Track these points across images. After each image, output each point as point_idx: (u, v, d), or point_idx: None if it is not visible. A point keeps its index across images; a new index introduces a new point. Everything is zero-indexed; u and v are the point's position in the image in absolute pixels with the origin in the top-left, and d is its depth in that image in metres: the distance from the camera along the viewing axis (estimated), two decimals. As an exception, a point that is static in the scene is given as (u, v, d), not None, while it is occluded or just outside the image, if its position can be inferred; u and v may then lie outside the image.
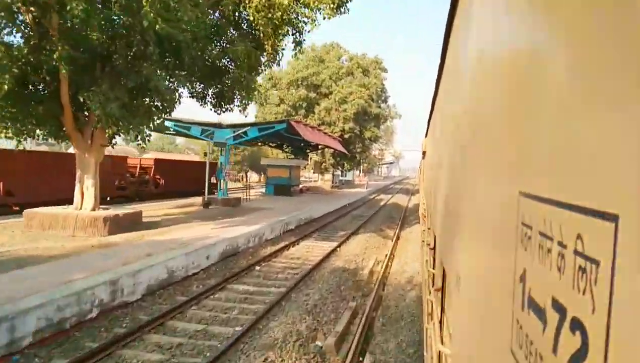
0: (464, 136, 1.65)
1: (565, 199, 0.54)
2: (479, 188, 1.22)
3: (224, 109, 14.11)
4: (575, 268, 0.50)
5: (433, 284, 3.49)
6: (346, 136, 40.24)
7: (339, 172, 52.16)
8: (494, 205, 0.99)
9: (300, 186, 35.55)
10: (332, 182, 46.93)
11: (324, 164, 44.66)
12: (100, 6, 8.93)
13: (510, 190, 0.81)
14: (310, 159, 42.68)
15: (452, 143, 2.30)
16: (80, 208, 11.11)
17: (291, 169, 30.63)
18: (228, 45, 12.26)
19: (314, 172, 45.05)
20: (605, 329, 0.42)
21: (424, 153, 10.38)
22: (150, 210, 15.80)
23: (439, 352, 2.28)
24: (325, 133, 31.52)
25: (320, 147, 33.28)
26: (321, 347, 5.94)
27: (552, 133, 0.62)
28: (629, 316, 0.38)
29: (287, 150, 36.19)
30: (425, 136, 9.46)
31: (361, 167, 59.66)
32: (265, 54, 12.81)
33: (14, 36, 9.07)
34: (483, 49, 1.28)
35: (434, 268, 3.70)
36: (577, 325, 0.48)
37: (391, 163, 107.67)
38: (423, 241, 7.43)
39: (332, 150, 37.56)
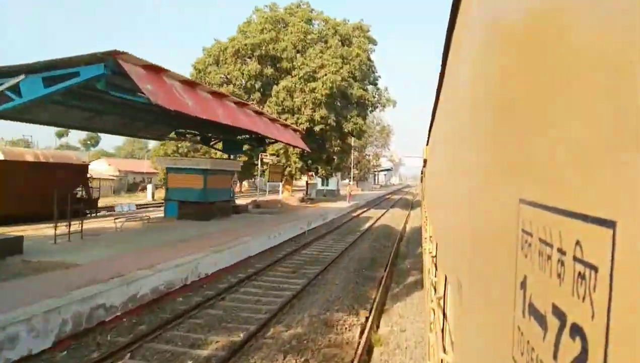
0: (464, 143, 1.66)
1: (564, 206, 0.55)
2: (479, 195, 1.23)
3: None
4: (575, 274, 0.50)
5: (435, 292, 3.47)
6: (317, 128, 28.04)
7: (318, 180, 41.99)
8: (495, 213, 0.99)
9: (253, 200, 26.61)
10: (306, 194, 36.35)
11: (288, 169, 31.45)
12: None
13: (511, 197, 0.82)
14: (261, 160, 28.37)
15: (452, 150, 2.31)
16: None
17: (210, 174, 18.77)
18: None
19: (269, 180, 30.98)
20: (605, 335, 0.42)
21: (425, 161, 10.38)
22: None
23: (441, 360, 2.26)
24: (271, 119, 19.74)
25: (269, 141, 22.44)
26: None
27: (551, 140, 0.63)
28: (628, 322, 0.39)
29: (218, 146, 23.88)
30: (427, 144, 9.47)
31: (351, 173, 50.81)
32: None
33: None
34: (483, 55, 1.29)
35: (435, 276, 3.69)
36: (577, 332, 0.48)
37: (388, 170, 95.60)
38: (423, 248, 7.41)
39: (299, 149, 25.56)
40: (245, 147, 24.05)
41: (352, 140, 36.43)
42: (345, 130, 30.36)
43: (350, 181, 50.62)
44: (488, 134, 1.15)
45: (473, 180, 1.38)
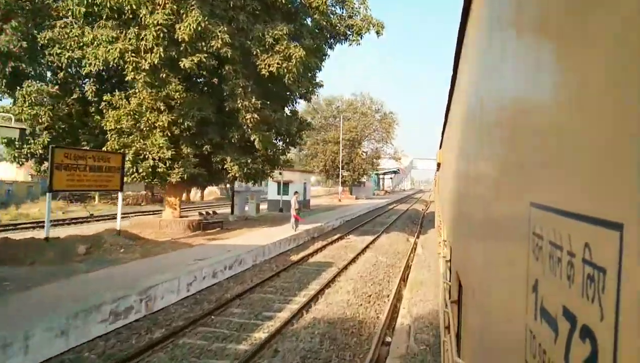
0: (475, 148, 1.66)
1: (573, 209, 0.56)
2: (491, 200, 1.23)
3: None
4: (584, 276, 0.51)
5: (449, 296, 3.45)
6: (187, 63, 12.03)
7: (273, 186, 26.38)
8: (506, 217, 1.00)
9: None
10: (231, 210, 21.89)
11: (145, 163, 13.78)
12: None
13: (522, 201, 0.82)
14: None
15: (465, 155, 2.31)
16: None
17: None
18: None
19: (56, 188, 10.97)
20: (613, 337, 0.43)
21: (438, 165, 10.32)
22: None
23: (456, 365, 2.25)
24: None
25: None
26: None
27: (560, 145, 0.64)
28: (636, 322, 0.39)
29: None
30: (440, 148, 9.42)
31: (340, 175, 41.01)
32: None
33: None
34: (494, 61, 1.30)
35: (449, 281, 3.66)
36: (587, 333, 0.49)
37: (395, 172, 72.45)
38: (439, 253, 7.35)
39: (164, 117, 12.99)
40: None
41: (296, 104, 18.16)
42: (262, 67, 13.29)
43: (340, 187, 42.30)
44: (499, 139, 1.15)
45: (485, 184, 1.38)
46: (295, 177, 28.22)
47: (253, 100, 13.65)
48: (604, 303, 0.45)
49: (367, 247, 15.05)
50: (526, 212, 0.78)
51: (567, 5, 0.64)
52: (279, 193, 27.30)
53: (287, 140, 18.12)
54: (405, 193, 79.46)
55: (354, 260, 12.69)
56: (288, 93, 16.58)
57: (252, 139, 14.60)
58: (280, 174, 23.52)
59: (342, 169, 42.33)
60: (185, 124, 13.54)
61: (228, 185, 28.74)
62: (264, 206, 27.10)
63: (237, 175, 15.21)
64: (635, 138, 0.41)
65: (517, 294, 0.84)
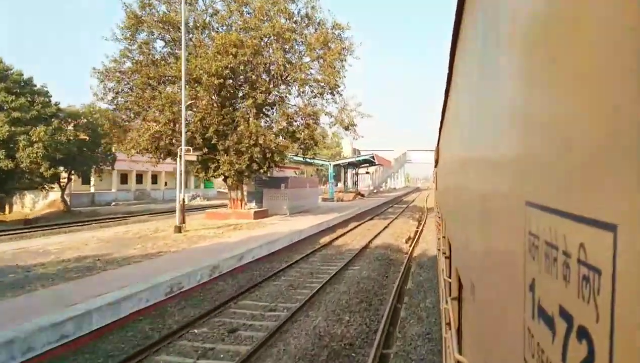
0: (473, 145, 1.66)
1: (568, 209, 0.56)
2: (488, 197, 1.23)
3: None
4: (580, 277, 0.51)
5: (450, 293, 3.46)
6: None
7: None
8: (502, 215, 1.00)
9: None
10: None
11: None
12: None
13: (517, 200, 0.82)
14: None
15: (462, 152, 2.31)
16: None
17: None
18: None
19: None
20: (609, 337, 0.42)
21: (436, 161, 10.33)
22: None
23: (457, 361, 2.25)
24: None
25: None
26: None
27: (556, 145, 0.64)
28: (631, 324, 0.39)
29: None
30: (437, 144, 9.44)
31: (180, 162, 16.13)
32: None
33: None
34: (491, 54, 1.29)
35: (449, 277, 3.67)
36: (583, 334, 0.49)
37: (368, 162, 46.93)
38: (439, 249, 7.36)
39: None
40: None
41: None
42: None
43: (181, 192, 17.03)
44: (495, 138, 1.15)
45: (482, 182, 1.38)
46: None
47: None
48: (600, 305, 0.45)
49: None
50: (522, 211, 0.78)
51: (563, 1, 0.64)
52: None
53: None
54: (391, 195, 53.65)
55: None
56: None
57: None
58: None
59: (193, 147, 18.14)
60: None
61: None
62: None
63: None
64: (630, 139, 0.41)
65: (514, 293, 0.84)
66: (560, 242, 0.58)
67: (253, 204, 24.81)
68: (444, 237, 5.63)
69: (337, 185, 47.20)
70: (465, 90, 2.08)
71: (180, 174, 17.55)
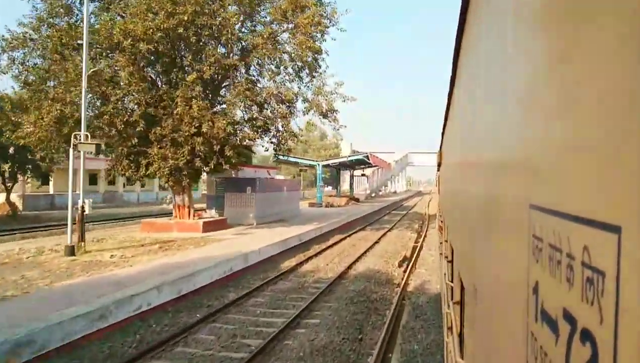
0: (475, 149, 1.66)
1: (572, 211, 0.56)
2: (491, 200, 1.23)
3: None
4: (583, 279, 0.51)
5: (452, 297, 3.45)
6: None
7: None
8: (506, 218, 1.00)
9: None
10: None
11: None
12: None
13: (522, 203, 0.82)
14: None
15: (465, 155, 2.31)
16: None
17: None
18: None
19: None
20: (613, 340, 0.42)
21: (439, 164, 10.32)
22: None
23: (459, 366, 2.25)
24: None
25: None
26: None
27: (559, 147, 0.63)
28: (635, 326, 0.39)
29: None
30: (440, 147, 9.43)
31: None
32: None
33: None
34: (495, 56, 1.29)
35: (452, 281, 3.66)
36: (587, 337, 0.49)
37: (363, 162, 39.82)
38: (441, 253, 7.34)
39: None
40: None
41: None
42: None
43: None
44: (499, 140, 1.15)
45: (485, 185, 1.38)
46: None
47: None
48: (604, 307, 0.45)
49: None
50: (526, 214, 0.78)
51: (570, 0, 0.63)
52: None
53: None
54: (390, 200, 50.04)
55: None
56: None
57: None
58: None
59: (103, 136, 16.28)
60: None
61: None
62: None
63: None
64: (634, 140, 0.41)
65: (518, 296, 0.84)
66: (564, 244, 0.58)
67: (213, 212, 20.05)
68: (446, 241, 5.61)
69: (336, 189, 44.62)
70: (469, 92, 2.08)
71: (77, 170, 13.10)
